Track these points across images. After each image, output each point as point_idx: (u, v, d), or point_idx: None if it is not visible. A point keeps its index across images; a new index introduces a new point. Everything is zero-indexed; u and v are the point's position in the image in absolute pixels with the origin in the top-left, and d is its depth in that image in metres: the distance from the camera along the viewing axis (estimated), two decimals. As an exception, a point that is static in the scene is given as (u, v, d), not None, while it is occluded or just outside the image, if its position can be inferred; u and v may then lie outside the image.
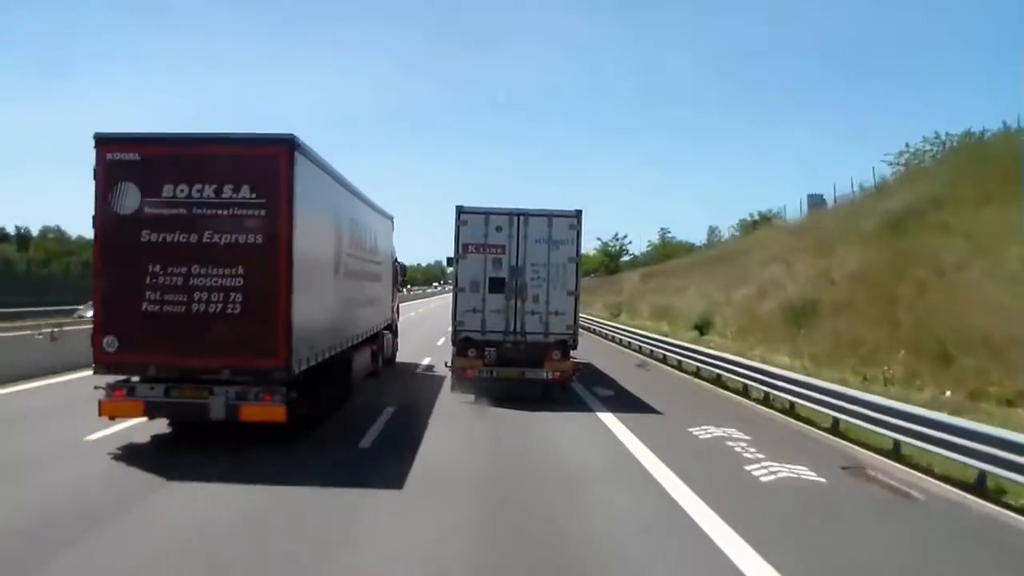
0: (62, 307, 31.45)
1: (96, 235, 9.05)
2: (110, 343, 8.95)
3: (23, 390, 13.89)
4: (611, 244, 78.04)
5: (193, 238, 8.86)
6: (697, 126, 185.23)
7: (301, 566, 5.63)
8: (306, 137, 9.22)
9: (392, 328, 19.50)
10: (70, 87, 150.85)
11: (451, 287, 14.89)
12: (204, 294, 8.86)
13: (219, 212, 8.87)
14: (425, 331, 30.20)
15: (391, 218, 18.32)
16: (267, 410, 8.96)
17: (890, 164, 32.77)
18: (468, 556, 5.90)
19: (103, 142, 8.95)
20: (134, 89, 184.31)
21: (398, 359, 19.94)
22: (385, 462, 8.94)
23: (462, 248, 14.14)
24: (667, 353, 22.21)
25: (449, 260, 15.35)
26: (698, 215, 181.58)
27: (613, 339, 31.36)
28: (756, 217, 50.95)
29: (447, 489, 7.85)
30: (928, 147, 30.73)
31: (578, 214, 14.16)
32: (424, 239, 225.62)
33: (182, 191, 8.87)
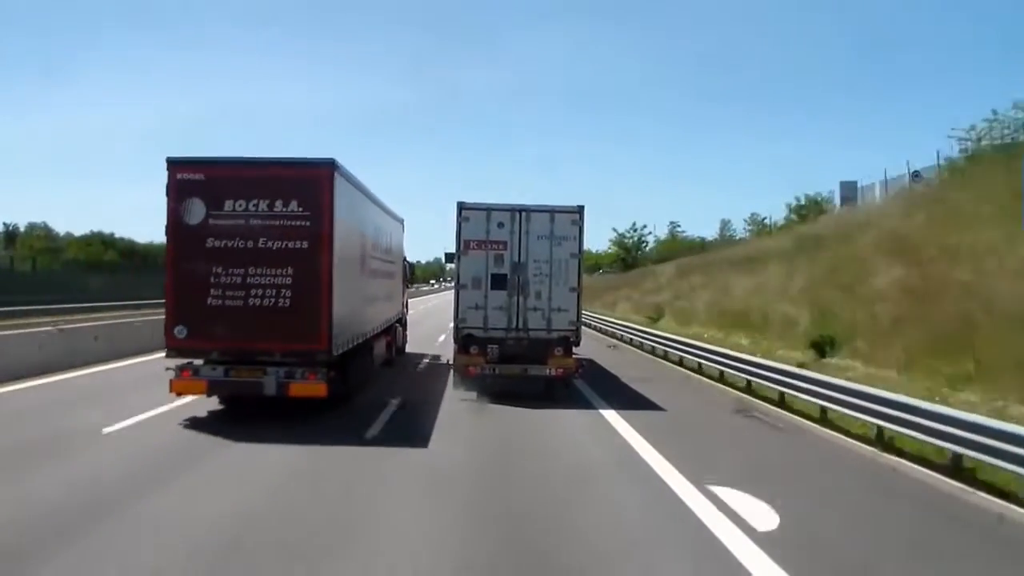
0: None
1: (168, 241, 10.88)
2: (180, 331, 10.76)
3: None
4: (628, 235, 70.77)
5: (250, 244, 10.66)
6: (688, 133, 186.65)
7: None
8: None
9: (402, 321, 21.33)
10: (70, 93, 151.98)
11: (449, 284, 16.00)
12: (259, 290, 10.68)
13: (272, 223, 10.67)
14: (423, 332, 30.62)
15: (402, 220, 20.13)
16: (311, 387, 10.79)
17: (960, 139, 27.58)
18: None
19: (174, 164, 10.76)
20: (131, 94, 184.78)
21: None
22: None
23: (464, 244, 14.04)
24: (786, 390, 13.60)
25: (448, 256, 15.69)
26: (689, 216, 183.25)
27: (665, 356, 22.39)
28: (802, 202, 44.22)
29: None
30: (1021, 114, 25.18)
31: (580, 209, 14.05)
32: (424, 237, 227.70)
33: (240, 205, 10.69)
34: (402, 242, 20.47)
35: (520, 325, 13.99)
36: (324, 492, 7.71)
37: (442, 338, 23.85)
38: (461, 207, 14.11)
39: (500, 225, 13.98)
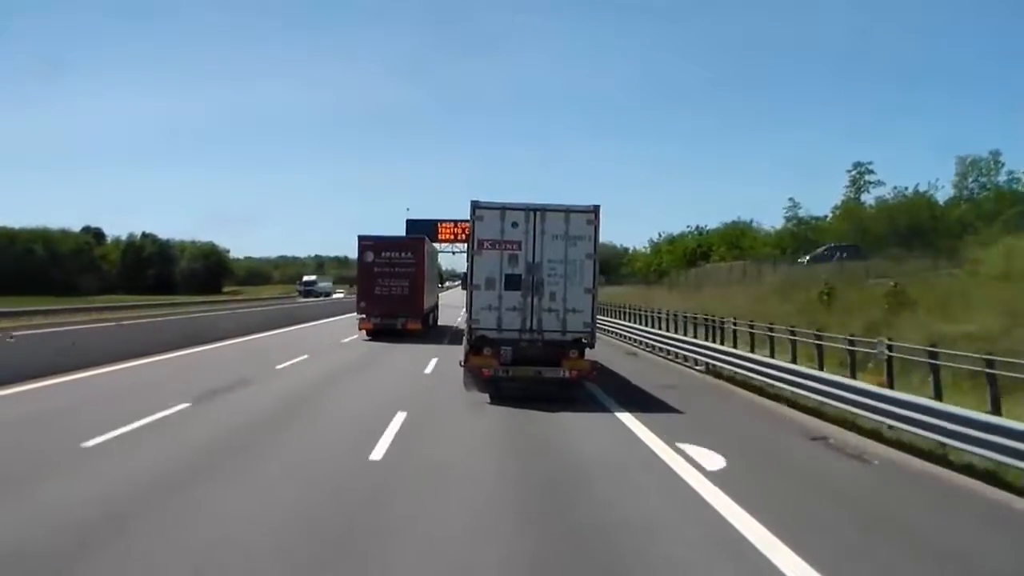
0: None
1: (359, 270, 27.74)
2: (363, 304, 27.35)
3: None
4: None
5: (392, 270, 27.16)
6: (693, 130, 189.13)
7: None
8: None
9: (436, 306, 37.94)
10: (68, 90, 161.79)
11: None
12: (395, 288, 27.18)
13: (399, 260, 27.25)
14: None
15: (435, 248, 37.03)
16: (415, 325, 27.38)
17: None
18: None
19: (362, 238, 27.32)
20: (126, 92, 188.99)
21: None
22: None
23: (477, 244, 13.98)
24: None
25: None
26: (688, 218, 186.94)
27: None
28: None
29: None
30: None
31: (596, 209, 13.99)
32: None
33: (388, 254, 27.25)
34: (437, 258, 37.38)
35: (534, 327, 13.92)
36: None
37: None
38: (475, 206, 14.01)
39: (514, 225, 13.91)
